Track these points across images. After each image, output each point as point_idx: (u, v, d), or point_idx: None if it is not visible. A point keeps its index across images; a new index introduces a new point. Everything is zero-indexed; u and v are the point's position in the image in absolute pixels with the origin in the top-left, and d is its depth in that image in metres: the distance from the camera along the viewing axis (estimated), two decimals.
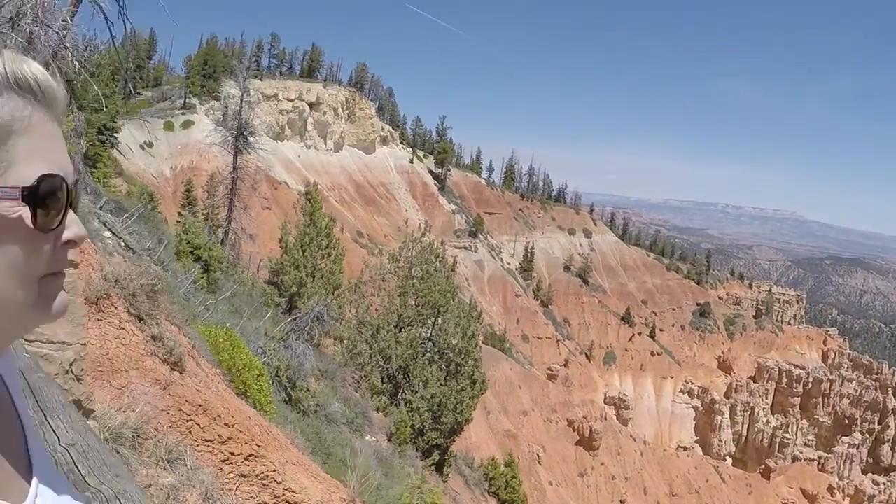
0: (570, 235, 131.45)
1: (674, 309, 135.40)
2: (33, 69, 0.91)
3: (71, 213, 1.01)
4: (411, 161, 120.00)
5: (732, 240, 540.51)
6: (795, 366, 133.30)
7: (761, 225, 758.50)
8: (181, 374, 7.55)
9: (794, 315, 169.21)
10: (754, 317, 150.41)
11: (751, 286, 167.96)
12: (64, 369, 3.79)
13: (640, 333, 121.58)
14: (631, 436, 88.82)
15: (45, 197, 0.92)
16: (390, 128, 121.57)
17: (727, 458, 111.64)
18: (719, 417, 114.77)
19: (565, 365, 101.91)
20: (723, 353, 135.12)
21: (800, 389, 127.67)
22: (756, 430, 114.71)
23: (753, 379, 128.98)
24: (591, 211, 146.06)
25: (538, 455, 68.91)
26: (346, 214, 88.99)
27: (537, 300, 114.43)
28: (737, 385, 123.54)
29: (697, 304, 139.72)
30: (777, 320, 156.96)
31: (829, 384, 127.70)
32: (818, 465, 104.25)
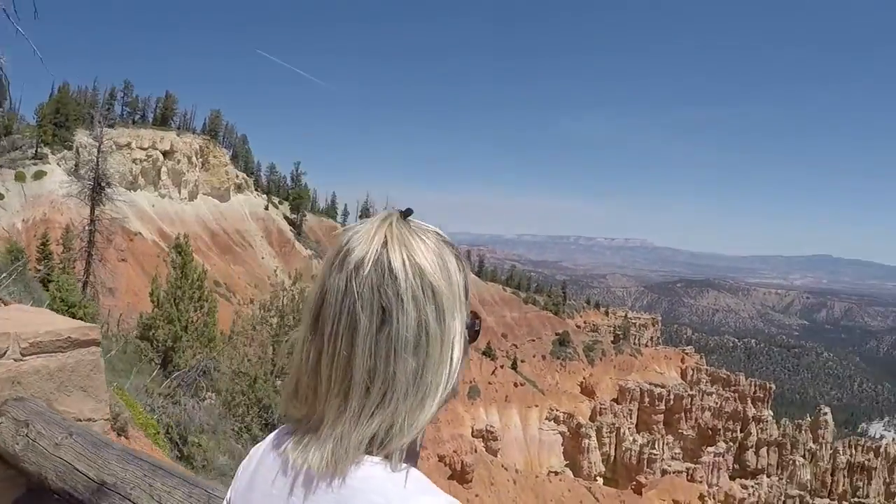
0: None
1: (533, 340, 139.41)
2: None
3: None
4: (266, 208, 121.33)
5: (586, 270, 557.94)
6: (656, 385, 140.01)
7: (613, 254, 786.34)
8: (127, 440, 8.60)
9: (651, 337, 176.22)
10: (612, 342, 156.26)
11: (607, 313, 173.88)
12: None
13: (502, 366, 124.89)
14: (502, 465, 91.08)
15: None
16: (245, 175, 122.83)
17: (598, 478, 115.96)
18: (586, 440, 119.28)
19: None
20: (584, 378, 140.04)
21: (662, 407, 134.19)
22: (623, 448, 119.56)
23: (616, 401, 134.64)
24: None
25: None
26: (202, 264, 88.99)
27: None
28: (601, 408, 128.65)
29: (556, 334, 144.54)
30: (635, 343, 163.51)
31: (689, 399, 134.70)
32: (687, 475, 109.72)
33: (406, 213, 1.41)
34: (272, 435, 1.53)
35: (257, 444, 1.57)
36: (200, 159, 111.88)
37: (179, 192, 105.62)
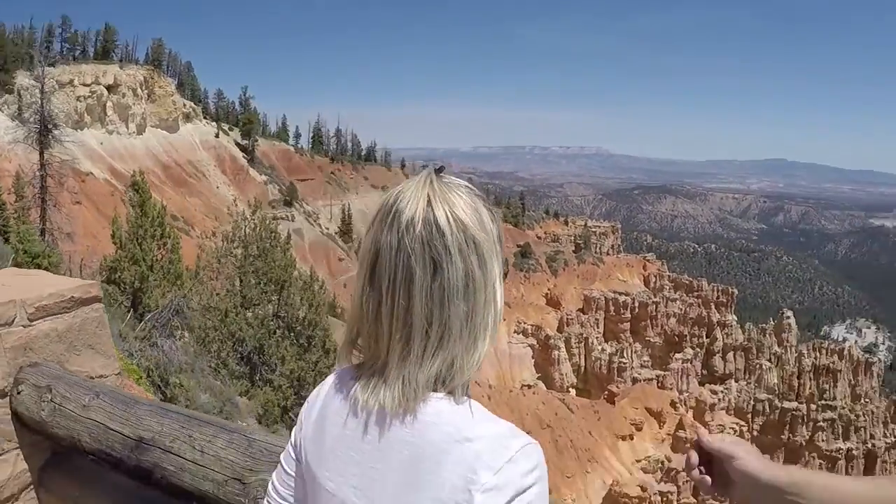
0: (384, 193, 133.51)
1: None
2: None
3: None
4: (217, 136, 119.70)
5: (543, 180, 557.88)
6: (620, 293, 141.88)
7: (569, 163, 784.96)
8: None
9: (612, 245, 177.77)
10: (574, 251, 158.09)
11: (567, 223, 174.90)
12: None
13: None
14: (476, 382, 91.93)
15: None
16: (192, 103, 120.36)
17: (570, 389, 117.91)
18: (556, 352, 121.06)
19: None
20: (549, 290, 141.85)
21: (628, 315, 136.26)
22: (593, 358, 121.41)
23: (582, 311, 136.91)
24: (403, 166, 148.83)
25: None
26: (160, 200, 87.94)
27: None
28: (567, 319, 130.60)
29: (518, 246, 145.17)
30: (596, 252, 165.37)
31: (654, 306, 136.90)
32: (657, 383, 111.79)
33: (440, 170, 1.58)
34: (331, 379, 1.69)
35: (316, 390, 1.73)
36: (146, 91, 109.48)
37: (127, 127, 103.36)
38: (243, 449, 2.46)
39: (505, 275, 1.65)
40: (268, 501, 1.81)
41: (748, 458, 1.57)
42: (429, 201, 1.49)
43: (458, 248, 1.47)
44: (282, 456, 1.82)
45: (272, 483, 1.81)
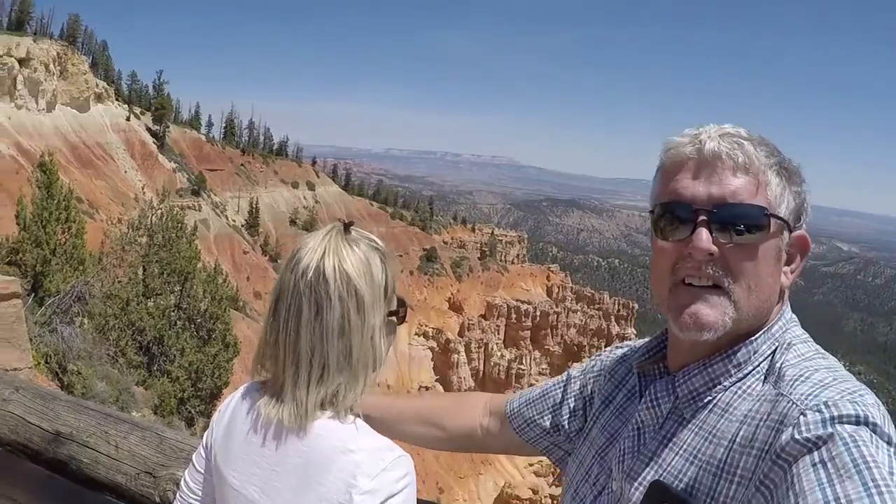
0: (293, 189, 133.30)
1: (401, 255, 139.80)
2: None
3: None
4: (128, 119, 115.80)
5: (453, 186, 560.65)
6: (523, 301, 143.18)
7: (480, 171, 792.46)
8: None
9: (517, 254, 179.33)
10: (479, 258, 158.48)
11: (473, 229, 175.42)
12: None
13: None
14: (375, 383, 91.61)
15: None
16: (105, 84, 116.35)
17: None
18: (455, 355, 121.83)
19: None
20: (452, 294, 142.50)
21: (529, 323, 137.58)
22: (492, 364, 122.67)
23: (484, 317, 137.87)
24: (314, 163, 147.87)
25: None
26: (67, 183, 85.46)
27: (266, 256, 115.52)
28: (469, 324, 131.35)
29: (424, 250, 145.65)
30: (501, 260, 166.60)
31: (556, 316, 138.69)
32: None
33: (348, 225, 1.91)
34: (241, 390, 2.04)
35: (227, 399, 2.06)
36: (58, 67, 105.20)
37: (37, 103, 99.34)
38: (155, 445, 2.68)
39: (403, 318, 1.99)
40: (179, 495, 2.15)
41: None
42: (324, 253, 1.81)
43: (338, 295, 1.78)
44: (193, 455, 2.14)
45: (184, 479, 2.14)
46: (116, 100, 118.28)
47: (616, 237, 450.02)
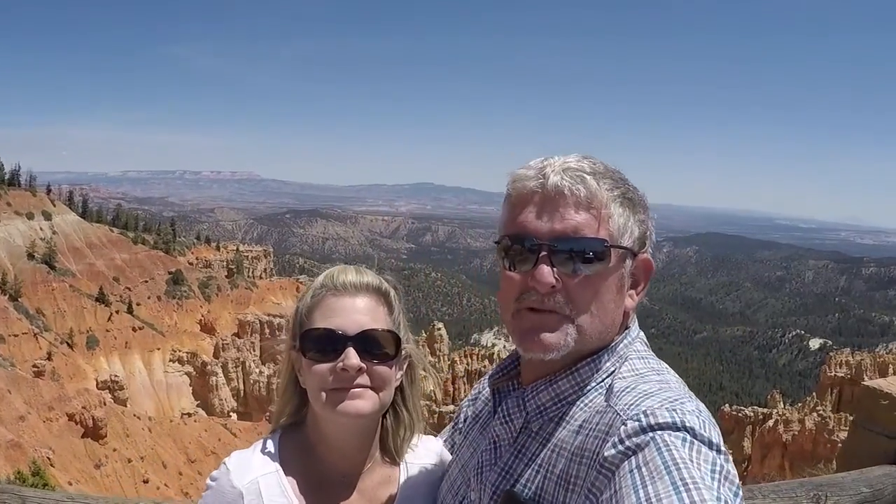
0: (29, 220, 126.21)
1: (147, 281, 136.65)
2: None
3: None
4: None
5: (194, 205, 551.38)
6: (275, 315, 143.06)
7: (221, 187, 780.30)
8: None
9: (265, 269, 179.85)
10: (227, 276, 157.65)
11: (218, 248, 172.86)
12: None
13: (118, 312, 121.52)
14: (135, 415, 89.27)
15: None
16: None
17: (231, 413, 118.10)
18: (214, 378, 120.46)
19: (49, 358, 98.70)
20: (203, 315, 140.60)
21: (283, 336, 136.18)
22: (252, 381, 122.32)
23: (238, 335, 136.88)
24: (49, 191, 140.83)
25: (48, 458, 66.90)
26: None
27: (5, 294, 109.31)
28: (223, 344, 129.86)
29: (170, 273, 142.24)
30: (249, 276, 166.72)
31: None
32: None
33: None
34: None
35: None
36: None
37: None
38: None
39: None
40: None
41: None
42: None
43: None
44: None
45: None
46: None
47: (361, 242, 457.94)
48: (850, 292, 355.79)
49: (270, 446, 2.09)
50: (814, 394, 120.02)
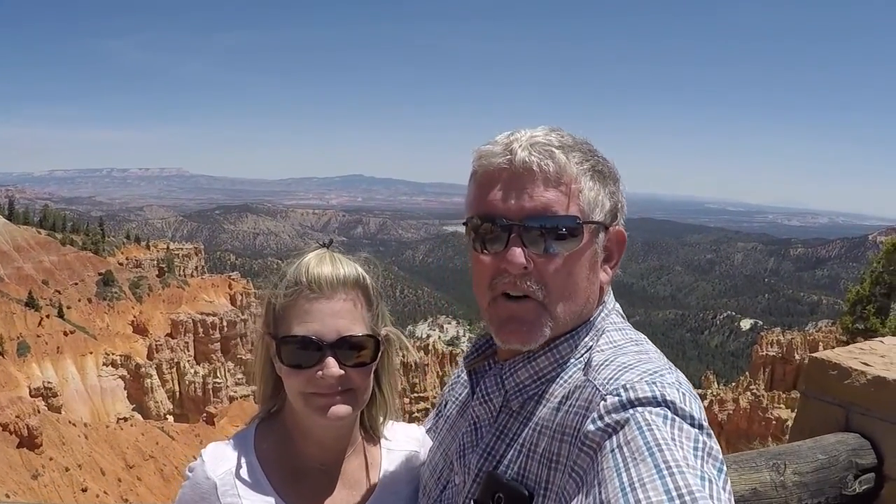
0: None
1: (76, 283, 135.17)
2: None
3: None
4: None
5: (122, 203, 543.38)
6: (208, 314, 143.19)
7: (149, 185, 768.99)
8: None
9: (196, 267, 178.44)
10: (158, 276, 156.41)
11: (148, 247, 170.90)
12: None
13: (48, 316, 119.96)
14: (70, 422, 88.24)
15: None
16: None
17: (168, 416, 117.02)
18: (148, 380, 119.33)
19: None
20: (135, 317, 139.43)
21: (217, 335, 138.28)
22: (187, 382, 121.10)
23: (171, 335, 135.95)
24: None
25: None
26: None
27: None
28: (157, 345, 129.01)
29: (100, 274, 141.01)
30: (181, 275, 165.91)
31: (243, 324, 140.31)
32: (254, 399, 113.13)
33: (328, 244, 2.12)
34: None
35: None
36: None
37: None
38: None
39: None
40: None
41: None
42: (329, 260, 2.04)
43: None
44: None
45: None
46: None
47: (292, 236, 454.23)
48: (778, 273, 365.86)
49: (247, 437, 2.12)
50: (746, 373, 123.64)
